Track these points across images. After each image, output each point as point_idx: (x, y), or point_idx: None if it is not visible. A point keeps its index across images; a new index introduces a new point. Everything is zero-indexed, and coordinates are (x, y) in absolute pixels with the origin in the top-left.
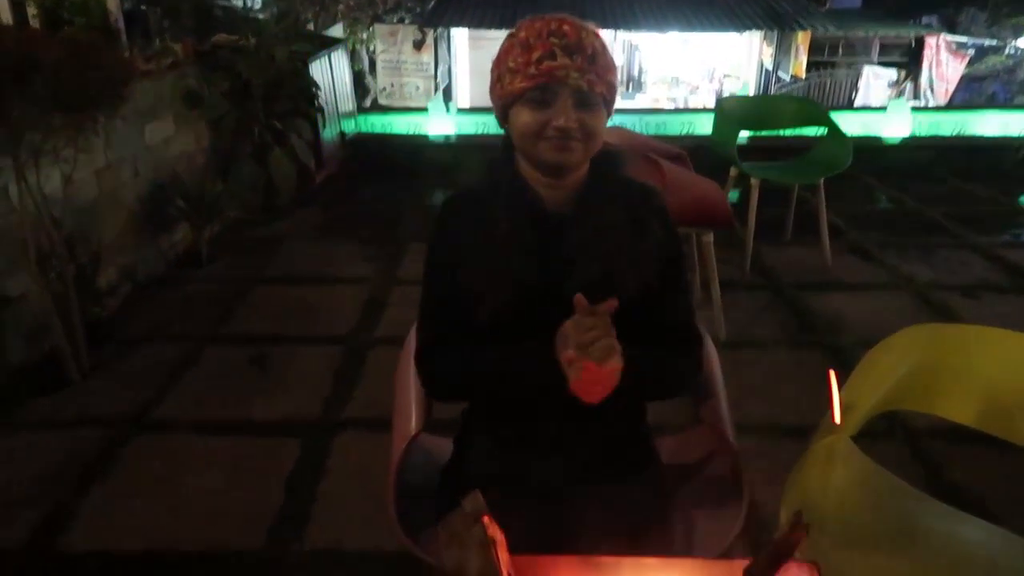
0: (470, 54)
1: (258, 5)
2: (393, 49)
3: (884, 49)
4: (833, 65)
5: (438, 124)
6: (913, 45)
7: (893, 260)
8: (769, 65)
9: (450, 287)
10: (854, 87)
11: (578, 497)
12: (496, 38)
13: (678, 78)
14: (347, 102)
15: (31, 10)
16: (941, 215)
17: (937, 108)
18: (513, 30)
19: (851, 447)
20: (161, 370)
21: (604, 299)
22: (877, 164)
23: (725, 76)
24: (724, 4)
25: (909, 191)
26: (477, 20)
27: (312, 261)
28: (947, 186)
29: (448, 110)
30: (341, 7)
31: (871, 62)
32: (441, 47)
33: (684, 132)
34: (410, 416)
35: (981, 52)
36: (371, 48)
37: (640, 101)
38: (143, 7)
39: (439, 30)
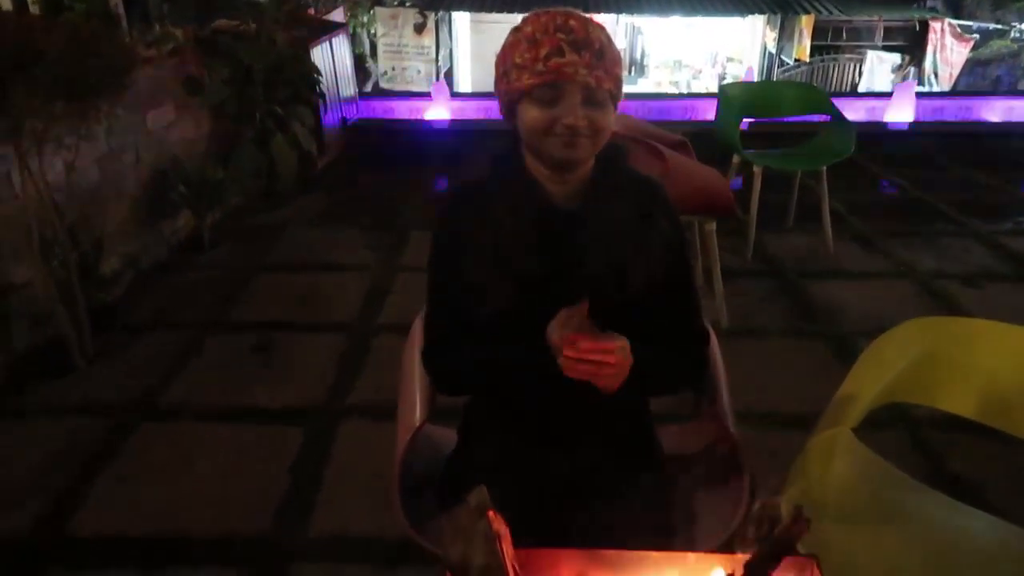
0: (471, 38)
1: None
2: (394, 32)
3: (888, 33)
4: (837, 49)
5: (439, 109)
6: (917, 29)
7: (895, 248)
8: (773, 49)
9: (455, 284)
10: (858, 72)
11: (582, 489)
12: (497, 22)
13: (681, 62)
14: (348, 86)
15: None
16: (944, 202)
17: (942, 93)
18: (518, 24)
19: (852, 440)
20: (165, 357)
21: (611, 294)
22: (880, 151)
23: (728, 60)
24: None
25: (912, 178)
26: (478, 4)
27: (314, 247)
28: (950, 173)
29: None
30: None
31: (875, 46)
32: (442, 31)
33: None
34: (415, 407)
35: (986, 36)
36: (372, 31)
37: (643, 85)
38: None
39: (440, 13)
